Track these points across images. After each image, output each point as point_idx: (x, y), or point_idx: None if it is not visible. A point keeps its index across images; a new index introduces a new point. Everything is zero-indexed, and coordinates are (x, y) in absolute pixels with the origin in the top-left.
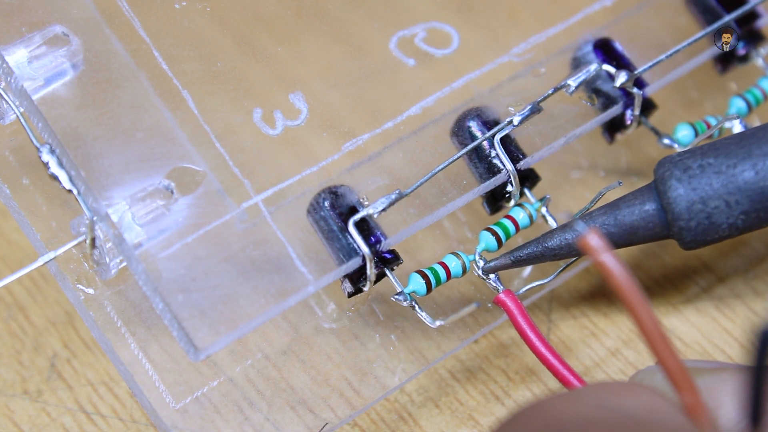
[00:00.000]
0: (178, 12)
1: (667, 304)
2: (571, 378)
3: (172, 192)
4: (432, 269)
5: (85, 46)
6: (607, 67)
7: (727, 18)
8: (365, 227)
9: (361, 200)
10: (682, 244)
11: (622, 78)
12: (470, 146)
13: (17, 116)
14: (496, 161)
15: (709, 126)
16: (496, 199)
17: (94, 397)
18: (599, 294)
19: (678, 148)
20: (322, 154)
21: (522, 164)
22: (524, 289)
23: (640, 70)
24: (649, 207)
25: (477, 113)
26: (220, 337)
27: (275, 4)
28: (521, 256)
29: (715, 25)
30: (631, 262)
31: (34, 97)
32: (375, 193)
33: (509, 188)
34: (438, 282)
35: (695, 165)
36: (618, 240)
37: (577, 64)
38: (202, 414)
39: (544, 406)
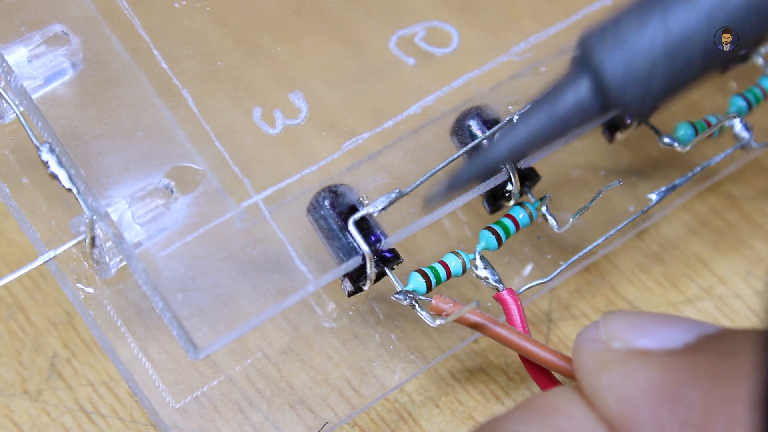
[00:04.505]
0: (178, 11)
1: (667, 304)
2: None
3: (171, 191)
4: (432, 268)
5: (85, 45)
6: None
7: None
8: (365, 226)
9: (361, 199)
10: (627, 114)
11: None
12: (470, 145)
13: (17, 115)
14: None
15: (709, 125)
16: (496, 198)
17: (94, 397)
18: (599, 294)
19: (678, 148)
20: (322, 153)
21: (522, 163)
22: (524, 288)
23: None
24: (583, 87)
25: (477, 112)
26: (220, 336)
27: (275, 3)
28: (464, 178)
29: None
30: (632, 262)
31: (34, 96)
32: (375, 192)
33: (509, 187)
34: (438, 281)
35: (616, 28)
36: (559, 129)
37: None
38: (202, 413)
39: None
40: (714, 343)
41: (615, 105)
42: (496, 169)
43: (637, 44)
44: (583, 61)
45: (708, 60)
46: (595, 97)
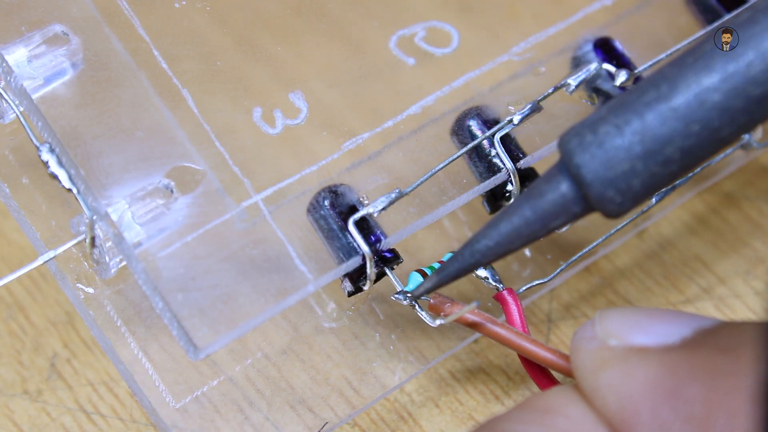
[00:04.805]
0: (178, 11)
1: (667, 304)
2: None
3: (171, 191)
4: (432, 268)
5: (85, 45)
6: (607, 66)
7: (727, 17)
8: (365, 226)
9: (361, 199)
10: (607, 215)
11: (622, 77)
12: (470, 145)
13: (17, 115)
14: (496, 160)
15: None
16: (496, 198)
17: (94, 397)
18: (599, 294)
19: None
20: (322, 153)
21: (522, 163)
22: (524, 288)
23: (640, 69)
24: (564, 186)
25: (477, 112)
26: (220, 336)
27: (275, 3)
28: (451, 273)
29: (715, 24)
30: (632, 262)
31: (34, 96)
32: (375, 192)
33: (509, 187)
34: None
35: (595, 130)
36: (540, 230)
37: (577, 63)
38: (202, 413)
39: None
40: (712, 337)
41: (595, 204)
42: (480, 265)
43: (615, 146)
44: (564, 161)
45: (686, 160)
46: (576, 197)
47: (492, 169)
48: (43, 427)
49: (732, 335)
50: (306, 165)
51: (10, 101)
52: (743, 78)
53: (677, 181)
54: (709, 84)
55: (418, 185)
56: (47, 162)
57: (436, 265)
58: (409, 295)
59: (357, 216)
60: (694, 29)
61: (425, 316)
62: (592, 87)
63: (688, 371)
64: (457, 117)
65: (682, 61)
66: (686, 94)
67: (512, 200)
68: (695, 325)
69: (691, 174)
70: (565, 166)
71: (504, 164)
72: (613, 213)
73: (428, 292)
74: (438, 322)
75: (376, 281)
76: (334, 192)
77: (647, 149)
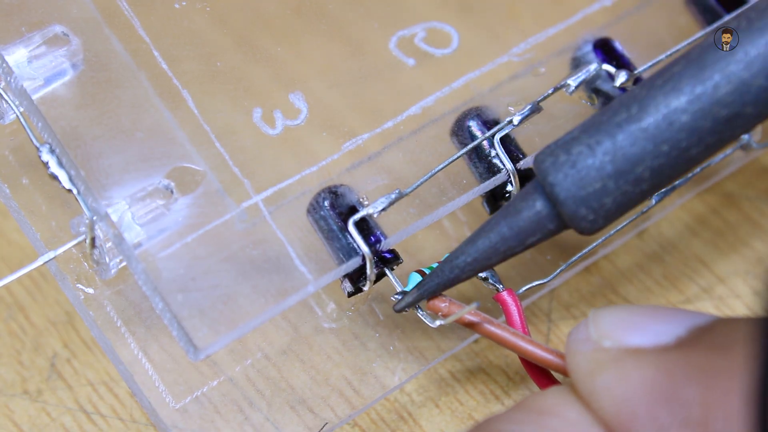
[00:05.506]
0: (178, 12)
1: (667, 304)
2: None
3: (171, 192)
4: (432, 269)
5: (85, 45)
6: (607, 67)
7: (727, 18)
8: (365, 227)
9: (361, 200)
10: (580, 232)
11: (622, 78)
12: (470, 146)
13: (17, 116)
14: (496, 161)
15: None
16: (496, 199)
17: (94, 397)
18: (599, 294)
19: None
20: (322, 153)
21: (522, 164)
22: (524, 288)
23: (639, 69)
24: (539, 204)
25: (477, 113)
26: (220, 337)
27: (275, 3)
28: (431, 288)
29: (715, 25)
30: (632, 262)
31: (34, 97)
32: (375, 193)
33: (509, 188)
34: None
35: (568, 150)
36: (516, 246)
37: (576, 63)
38: (202, 413)
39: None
40: (707, 335)
41: (569, 222)
42: (460, 280)
43: (587, 165)
44: (539, 180)
45: (656, 179)
46: (551, 215)
47: (492, 170)
48: (43, 427)
49: (727, 333)
50: (306, 166)
51: (10, 102)
52: (710, 99)
53: (675, 184)
54: (677, 105)
55: (418, 186)
56: (47, 163)
57: (436, 266)
58: (395, 306)
59: (357, 217)
60: (694, 29)
61: (425, 316)
62: (592, 88)
63: (684, 372)
64: (457, 118)
65: (651, 82)
66: (655, 115)
67: (489, 217)
68: (690, 323)
69: (690, 174)
70: (540, 185)
71: (504, 165)
72: (587, 230)
73: (409, 306)
74: (438, 322)
75: (375, 282)
76: (334, 193)
77: (618, 169)
